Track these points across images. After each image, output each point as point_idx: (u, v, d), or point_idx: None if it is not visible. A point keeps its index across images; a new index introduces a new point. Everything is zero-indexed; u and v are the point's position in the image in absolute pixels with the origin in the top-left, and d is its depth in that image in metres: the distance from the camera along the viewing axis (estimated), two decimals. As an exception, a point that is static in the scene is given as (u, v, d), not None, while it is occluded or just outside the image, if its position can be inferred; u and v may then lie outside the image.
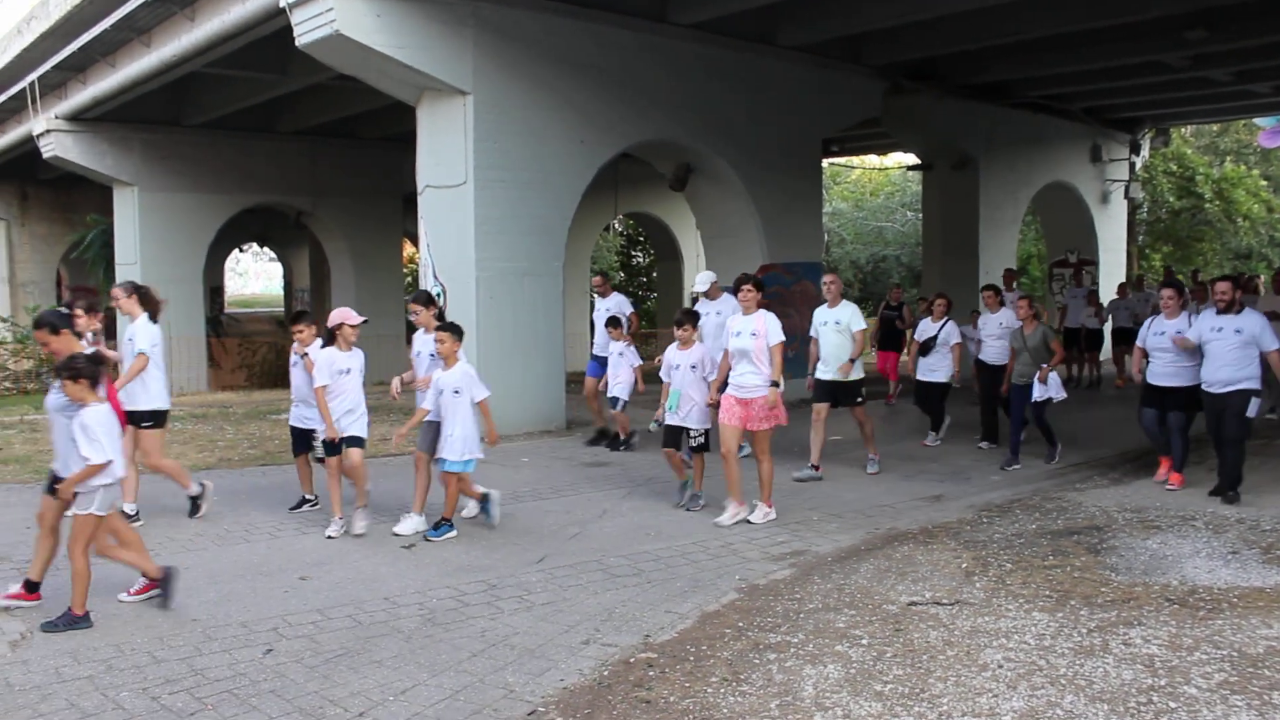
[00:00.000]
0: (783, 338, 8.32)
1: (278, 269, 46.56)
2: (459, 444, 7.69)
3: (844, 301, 10.29)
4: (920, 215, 26.18)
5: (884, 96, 17.72)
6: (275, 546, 7.60)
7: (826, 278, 10.61)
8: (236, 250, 40.76)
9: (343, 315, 8.01)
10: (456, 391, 7.74)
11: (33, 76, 20.20)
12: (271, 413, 15.30)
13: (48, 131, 20.46)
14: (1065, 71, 17.93)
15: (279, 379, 25.13)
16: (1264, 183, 30.75)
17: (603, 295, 12.47)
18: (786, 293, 15.60)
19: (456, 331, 7.89)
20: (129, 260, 21.50)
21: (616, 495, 9.34)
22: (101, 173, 21.17)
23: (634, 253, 36.34)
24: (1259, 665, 4.94)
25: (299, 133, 22.73)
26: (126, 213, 21.59)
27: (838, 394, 10.16)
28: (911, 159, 24.65)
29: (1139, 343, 9.54)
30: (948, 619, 5.72)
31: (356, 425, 7.93)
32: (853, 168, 38.89)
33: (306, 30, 11.77)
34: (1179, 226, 30.17)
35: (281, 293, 42.76)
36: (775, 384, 8.17)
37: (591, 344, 12.70)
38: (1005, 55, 17.34)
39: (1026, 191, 21.65)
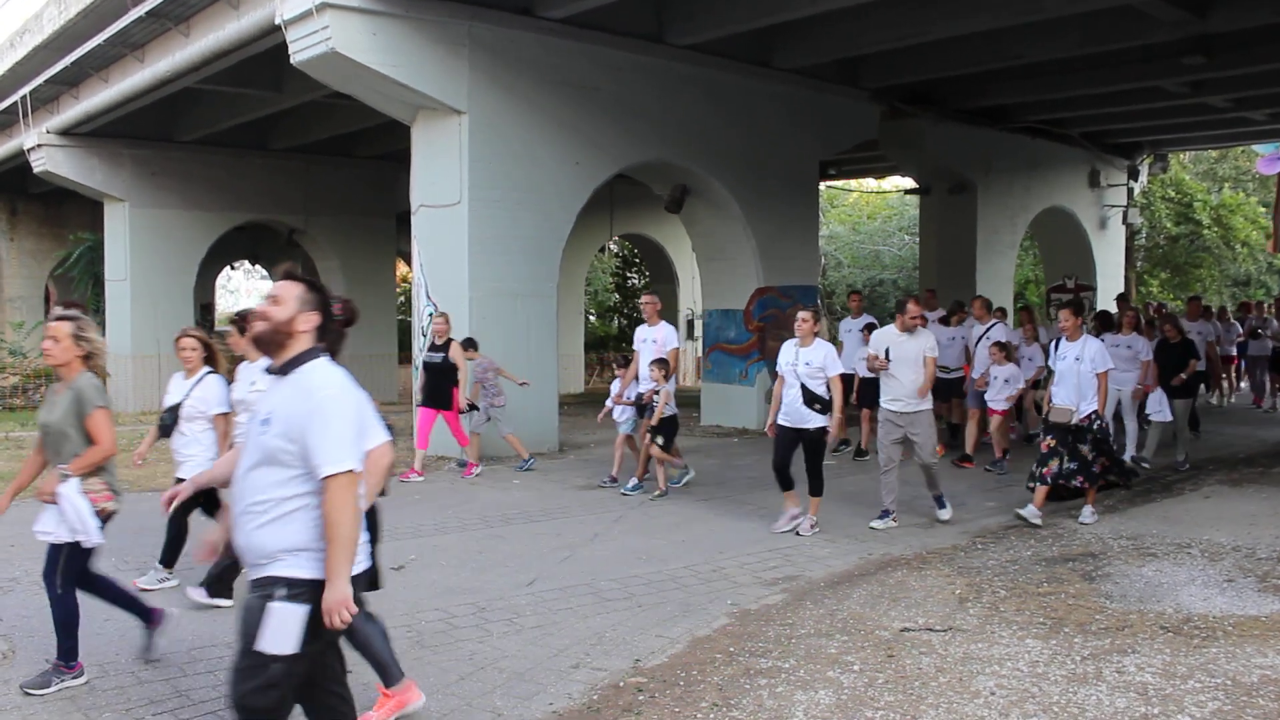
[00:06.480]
0: None
1: (269, 286, 46.59)
2: None
3: None
4: (917, 239, 26.18)
5: (881, 119, 17.74)
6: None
7: None
8: (228, 267, 40.71)
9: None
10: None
11: (24, 90, 20.10)
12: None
13: (39, 146, 20.36)
14: (1064, 96, 17.93)
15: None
16: (1262, 209, 30.75)
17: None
18: (783, 316, 15.54)
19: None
20: (119, 276, 21.40)
21: (608, 518, 9.27)
22: (92, 188, 21.07)
23: (629, 274, 36.29)
24: (1253, 694, 4.89)
25: (292, 150, 22.64)
26: (117, 228, 21.48)
27: None
28: (909, 183, 24.67)
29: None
30: (940, 645, 5.67)
31: None
32: (850, 191, 38.96)
33: (302, 48, 11.77)
34: (1177, 253, 30.25)
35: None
36: None
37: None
38: (1004, 79, 17.36)
39: (1024, 216, 21.62)
